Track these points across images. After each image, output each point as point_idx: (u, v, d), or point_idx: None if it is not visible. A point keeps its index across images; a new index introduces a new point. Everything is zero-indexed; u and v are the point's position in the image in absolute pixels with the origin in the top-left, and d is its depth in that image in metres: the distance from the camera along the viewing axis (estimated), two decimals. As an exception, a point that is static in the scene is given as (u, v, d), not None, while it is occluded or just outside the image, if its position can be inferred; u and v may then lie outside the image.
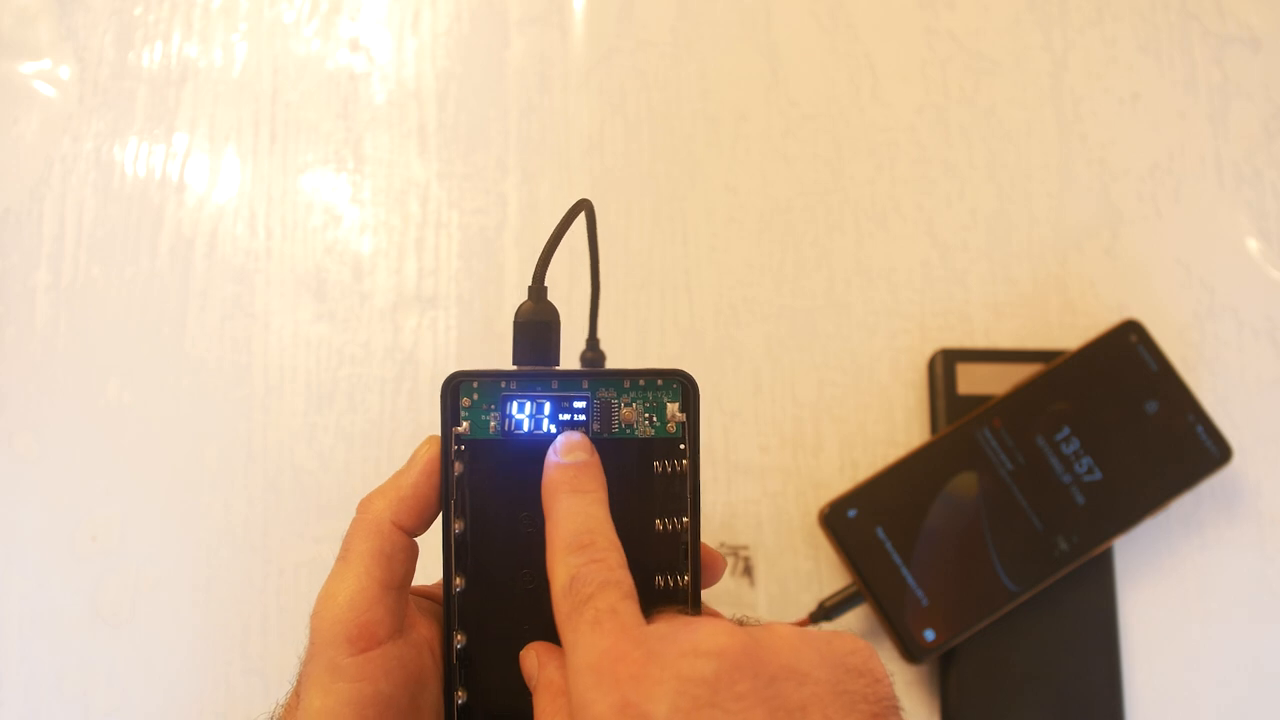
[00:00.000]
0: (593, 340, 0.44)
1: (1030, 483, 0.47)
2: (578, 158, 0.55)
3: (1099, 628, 0.48)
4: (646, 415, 0.31)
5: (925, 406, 0.51)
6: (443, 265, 0.53)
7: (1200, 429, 0.48)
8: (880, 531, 0.46)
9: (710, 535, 0.50)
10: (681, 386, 0.31)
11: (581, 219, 0.33)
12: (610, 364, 0.52)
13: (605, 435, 0.31)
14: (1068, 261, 0.53)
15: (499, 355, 0.53)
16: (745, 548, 0.50)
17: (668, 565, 0.31)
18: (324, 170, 0.55)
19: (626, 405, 0.31)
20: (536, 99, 0.55)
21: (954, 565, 0.46)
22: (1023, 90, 0.56)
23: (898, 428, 0.51)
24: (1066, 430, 0.47)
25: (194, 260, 0.53)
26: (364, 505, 0.30)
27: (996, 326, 0.53)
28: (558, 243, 0.31)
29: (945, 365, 0.50)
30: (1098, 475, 0.47)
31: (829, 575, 0.49)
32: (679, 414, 0.31)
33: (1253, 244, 0.54)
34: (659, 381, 0.31)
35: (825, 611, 0.46)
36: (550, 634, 0.29)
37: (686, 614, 0.29)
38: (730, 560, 0.50)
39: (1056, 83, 0.56)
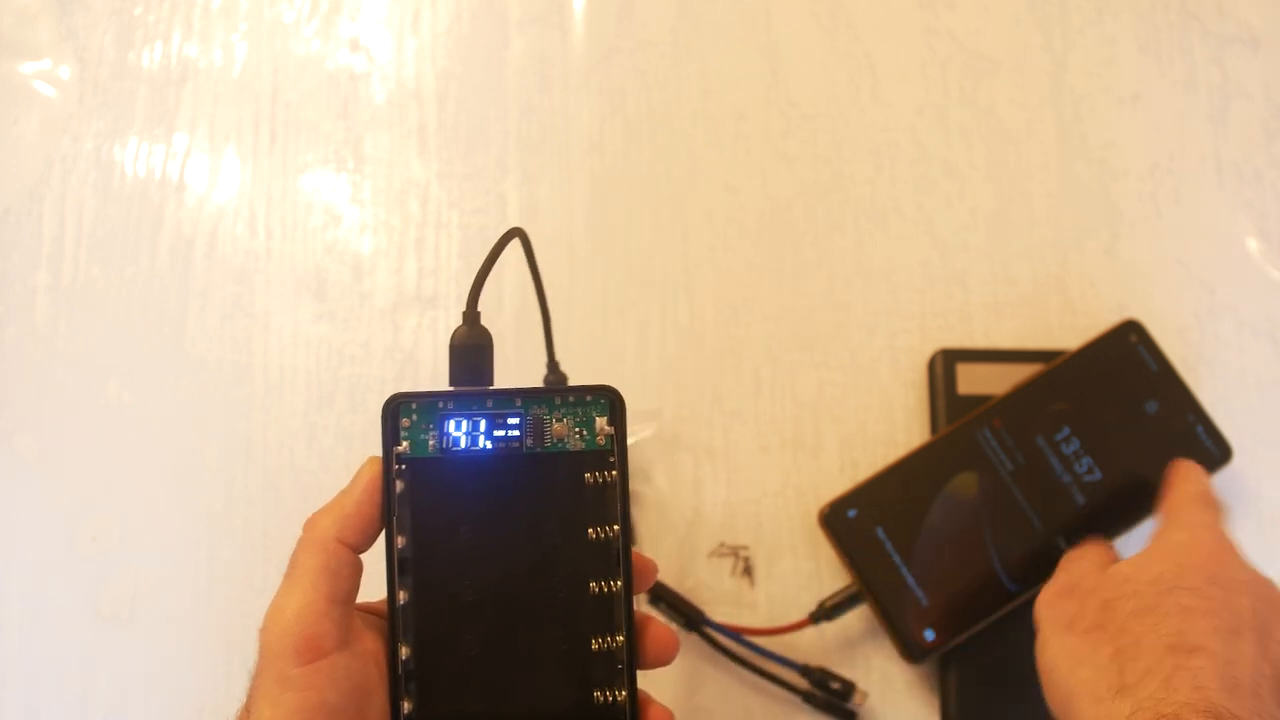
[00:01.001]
0: (552, 364, 0.45)
1: (1030, 483, 0.47)
2: (578, 158, 0.55)
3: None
4: (577, 430, 0.33)
5: (925, 406, 0.51)
6: (443, 265, 0.53)
7: (1200, 429, 0.48)
8: (880, 531, 0.46)
9: (710, 535, 0.50)
10: (609, 401, 0.33)
11: (519, 248, 0.35)
12: (611, 365, 0.52)
13: (539, 450, 0.32)
14: (1068, 261, 0.53)
15: (497, 356, 0.53)
16: (745, 548, 0.50)
17: (601, 571, 0.32)
18: (324, 170, 0.55)
19: (558, 421, 0.33)
20: (536, 99, 0.55)
21: (954, 566, 0.46)
22: (1023, 90, 0.56)
23: (898, 428, 0.51)
24: (1066, 430, 0.47)
25: (194, 260, 0.53)
26: (310, 524, 0.32)
27: (996, 326, 0.53)
28: (488, 270, 0.33)
29: (945, 365, 0.50)
30: (1098, 475, 0.47)
31: (829, 575, 0.49)
32: (607, 427, 0.33)
33: (1253, 244, 0.54)
34: (587, 397, 0.33)
35: (825, 612, 0.46)
36: (500, 641, 0.32)
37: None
38: (730, 560, 0.50)
39: (1056, 83, 0.56)
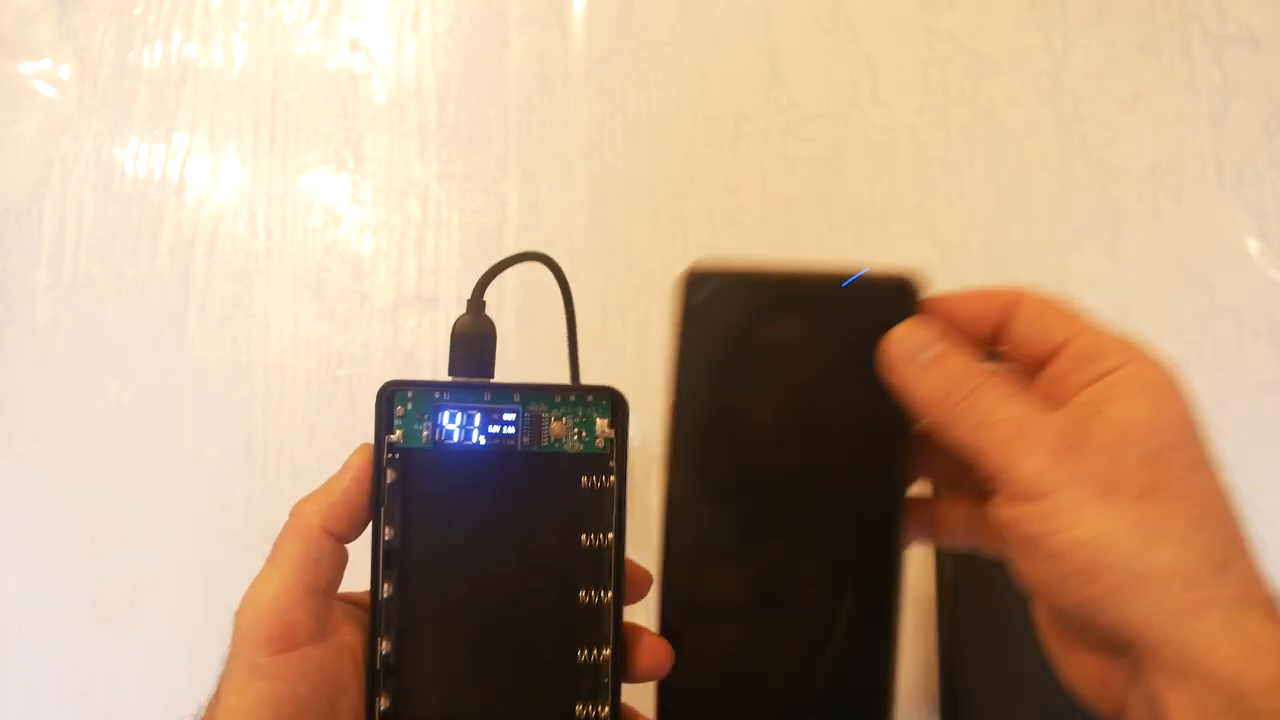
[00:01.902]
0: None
1: None
2: (578, 158, 0.55)
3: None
4: (576, 430, 0.31)
5: (925, 406, 0.51)
6: (443, 265, 0.53)
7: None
8: None
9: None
10: (611, 403, 0.31)
11: (546, 273, 0.34)
12: (611, 365, 0.52)
13: (535, 448, 0.31)
14: (1068, 261, 0.53)
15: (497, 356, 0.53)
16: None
17: (592, 579, 0.31)
18: (324, 170, 0.55)
19: (556, 420, 0.31)
20: (536, 99, 0.55)
21: None
22: (1023, 90, 0.55)
23: (898, 428, 0.51)
24: None
25: (194, 260, 0.53)
26: (295, 510, 0.31)
27: (996, 326, 0.53)
28: (501, 269, 0.32)
29: (945, 365, 0.50)
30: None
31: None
32: (608, 430, 0.31)
33: (1253, 244, 0.54)
34: (589, 397, 0.31)
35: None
36: (484, 643, 0.31)
37: None
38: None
39: (1056, 83, 0.56)
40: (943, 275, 0.53)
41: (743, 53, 0.56)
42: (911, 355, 0.29)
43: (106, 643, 0.49)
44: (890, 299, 0.30)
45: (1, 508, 0.50)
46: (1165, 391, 0.28)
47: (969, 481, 0.31)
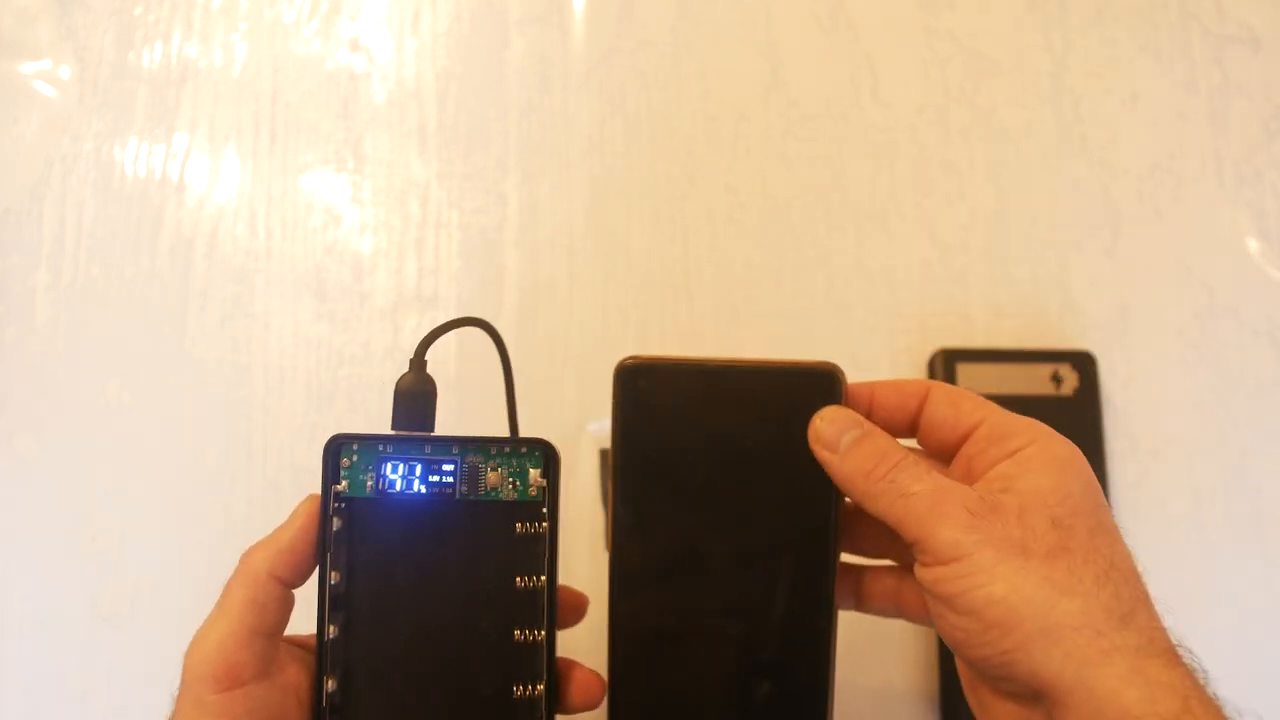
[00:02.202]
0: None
1: None
2: (578, 158, 0.55)
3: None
4: (511, 480, 0.33)
5: (925, 406, 0.51)
6: (443, 265, 0.53)
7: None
8: None
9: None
10: (544, 454, 0.33)
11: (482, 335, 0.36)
12: (611, 365, 0.52)
13: (472, 497, 0.33)
14: (1068, 261, 0.53)
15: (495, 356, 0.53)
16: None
17: (527, 619, 0.33)
18: (324, 170, 0.55)
19: (493, 470, 0.33)
20: (536, 99, 0.55)
21: None
22: (1023, 90, 0.55)
23: (898, 428, 0.51)
24: None
25: (194, 260, 0.53)
26: (244, 556, 0.33)
27: (996, 326, 0.53)
28: (442, 333, 0.34)
29: (945, 365, 0.50)
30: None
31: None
32: (540, 479, 0.33)
33: (1253, 244, 0.54)
34: (523, 449, 0.33)
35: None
36: (426, 682, 0.33)
37: None
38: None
39: (1056, 83, 0.56)
40: (943, 275, 0.54)
41: (743, 53, 0.56)
42: (838, 435, 0.32)
43: (106, 643, 0.49)
44: (815, 386, 0.33)
45: (1, 508, 0.50)
46: (1070, 465, 0.31)
47: (893, 552, 0.36)
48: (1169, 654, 0.27)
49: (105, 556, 0.50)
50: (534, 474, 0.33)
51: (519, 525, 0.33)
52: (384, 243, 0.54)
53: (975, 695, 0.31)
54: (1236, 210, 0.54)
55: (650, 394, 0.33)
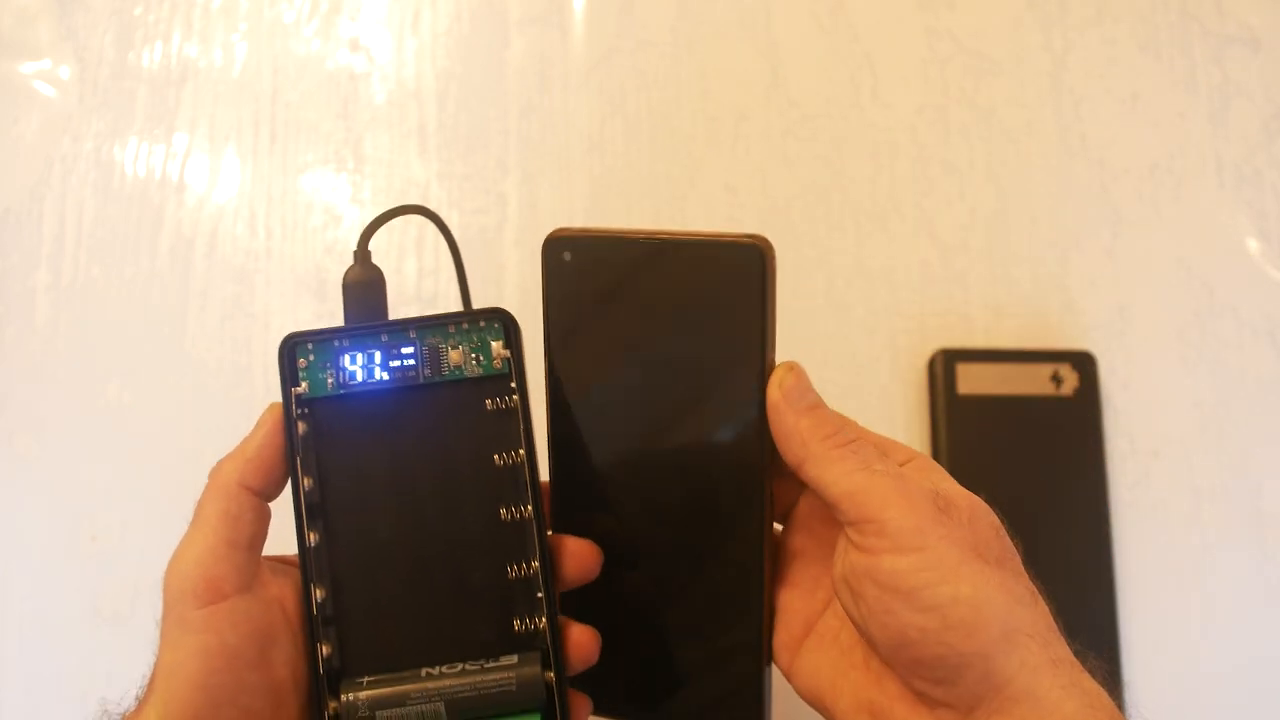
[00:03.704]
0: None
1: None
2: (578, 158, 0.55)
3: (1099, 627, 0.48)
4: (474, 355, 0.32)
5: (925, 406, 0.51)
6: (443, 265, 0.53)
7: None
8: None
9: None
10: (503, 324, 0.32)
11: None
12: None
13: (436, 379, 0.32)
14: (1068, 261, 0.53)
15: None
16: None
17: (511, 498, 0.32)
18: (324, 170, 0.55)
19: (454, 348, 0.32)
20: (536, 99, 0.55)
21: None
22: (1023, 90, 0.55)
23: (898, 427, 0.51)
24: None
25: (194, 260, 0.53)
26: (213, 470, 0.32)
27: (996, 326, 0.53)
28: (386, 220, 0.33)
29: (945, 365, 0.50)
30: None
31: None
32: (504, 351, 0.32)
33: (1253, 244, 0.54)
34: (481, 322, 0.32)
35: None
36: (416, 578, 0.31)
37: None
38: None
39: (1056, 83, 0.56)
40: (943, 275, 0.54)
41: (743, 53, 0.56)
42: (800, 394, 0.31)
43: (106, 643, 0.49)
44: (742, 258, 0.32)
45: (1, 508, 0.50)
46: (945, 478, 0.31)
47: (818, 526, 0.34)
48: (1085, 670, 0.28)
49: (105, 556, 0.50)
50: (496, 346, 0.32)
51: (489, 401, 0.32)
52: (384, 243, 0.54)
53: (879, 712, 0.30)
54: (1236, 210, 0.54)
55: (576, 265, 0.33)
